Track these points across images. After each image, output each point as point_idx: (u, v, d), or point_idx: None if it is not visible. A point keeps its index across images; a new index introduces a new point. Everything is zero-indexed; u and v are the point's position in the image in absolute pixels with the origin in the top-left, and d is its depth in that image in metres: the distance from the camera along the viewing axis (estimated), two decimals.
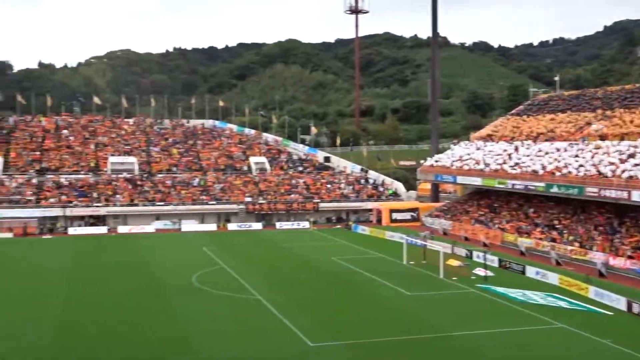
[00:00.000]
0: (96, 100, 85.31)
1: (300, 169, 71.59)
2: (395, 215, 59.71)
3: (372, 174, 71.17)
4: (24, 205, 58.97)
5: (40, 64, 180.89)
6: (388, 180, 69.59)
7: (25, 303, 28.96)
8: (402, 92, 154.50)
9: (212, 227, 60.22)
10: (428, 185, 66.86)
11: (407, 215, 59.94)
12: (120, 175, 66.32)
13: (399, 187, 68.17)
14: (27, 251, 47.21)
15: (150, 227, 60.67)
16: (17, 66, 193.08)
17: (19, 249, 48.75)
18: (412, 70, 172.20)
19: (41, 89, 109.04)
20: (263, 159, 72.22)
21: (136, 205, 62.28)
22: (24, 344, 22.52)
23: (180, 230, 59.64)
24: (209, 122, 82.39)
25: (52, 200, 60.64)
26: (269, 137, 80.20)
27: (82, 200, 61.47)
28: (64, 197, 61.18)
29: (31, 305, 28.51)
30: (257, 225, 60.37)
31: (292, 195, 64.24)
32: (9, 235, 55.92)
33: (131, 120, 79.50)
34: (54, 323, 25.41)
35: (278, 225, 61.15)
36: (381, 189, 67.25)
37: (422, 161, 71.80)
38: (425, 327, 24.01)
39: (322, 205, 63.10)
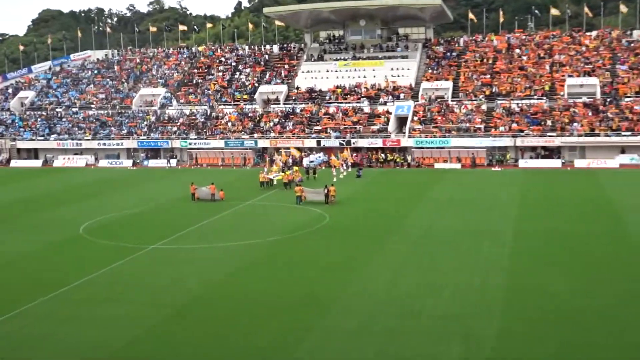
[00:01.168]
0: (554, 11, 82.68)
1: None
2: None
3: None
4: (473, 134, 63.02)
5: None
6: None
7: (475, 238, 30.74)
8: None
9: None
10: None
11: None
12: (578, 100, 63.44)
13: None
14: (476, 183, 50.47)
15: (614, 162, 56.08)
16: None
17: (467, 180, 52.60)
18: None
19: (492, 4, 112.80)
20: None
21: (597, 135, 58.77)
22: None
23: None
24: None
25: (501, 128, 62.75)
26: None
27: (534, 129, 61.52)
28: (514, 126, 62.42)
29: (481, 241, 29.99)
30: None
31: None
32: (457, 166, 60.97)
33: (594, 34, 74.11)
34: (504, 261, 25.75)
35: None
36: None
37: None
38: None
39: None
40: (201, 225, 36.00)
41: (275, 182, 49.40)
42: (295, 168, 53.60)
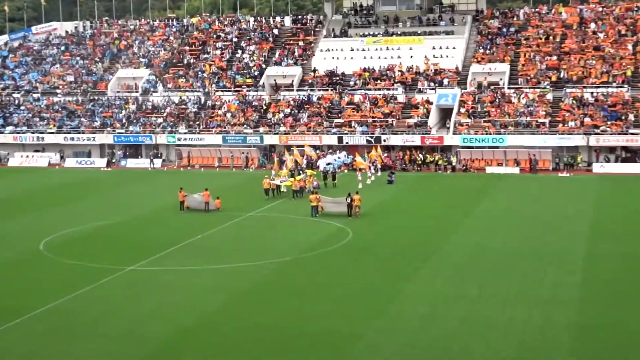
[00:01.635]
0: None
1: None
2: None
3: None
4: (535, 131, 62.78)
5: None
6: None
7: (535, 262, 30.68)
8: None
9: None
10: None
11: None
12: None
13: None
14: (539, 192, 50.29)
15: None
16: None
17: (527, 189, 52.40)
18: None
19: None
20: None
21: None
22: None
23: None
24: None
25: (571, 124, 62.42)
26: None
27: (612, 125, 61.11)
28: (587, 120, 62.09)
29: (543, 266, 30.00)
30: None
31: None
32: (514, 170, 60.71)
33: None
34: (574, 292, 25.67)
35: None
36: None
37: None
38: None
39: None
40: (192, 241, 36.23)
41: (284, 189, 49.62)
42: (309, 172, 53.77)
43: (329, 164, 58.54)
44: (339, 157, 62.54)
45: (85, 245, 36.06)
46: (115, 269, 30.89)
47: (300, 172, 55.21)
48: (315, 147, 64.94)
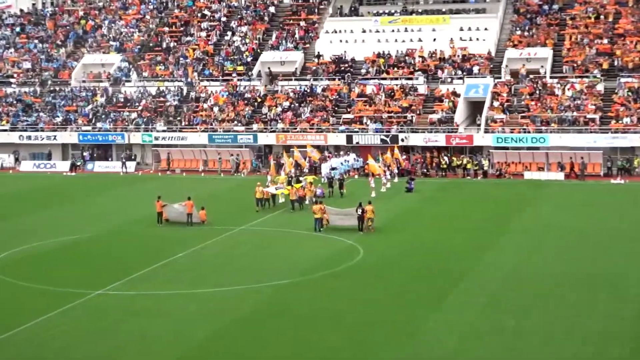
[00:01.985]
0: None
1: None
2: None
3: None
4: (583, 128, 62.61)
5: None
6: None
7: (584, 287, 30.79)
8: None
9: None
10: None
11: None
12: None
13: None
14: (587, 203, 50.35)
15: None
16: None
17: (573, 198, 52.40)
18: None
19: None
20: None
21: None
22: None
23: None
24: None
25: (626, 120, 62.26)
26: None
27: None
28: None
29: (593, 293, 30.06)
30: None
31: None
32: (558, 176, 60.66)
33: None
34: None
35: None
36: None
37: None
38: None
39: None
40: (172, 261, 36.21)
41: (282, 200, 49.59)
42: (309, 178, 53.61)
43: (333, 168, 58.46)
44: (346, 161, 62.52)
45: (45, 264, 36.02)
46: (82, 293, 30.78)
47: (297, 179, 54.97)
48: (319, 149, 64.92)
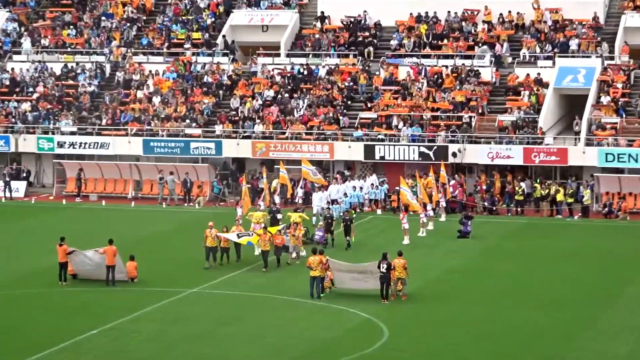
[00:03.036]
0: None
1: None
2: None
3: None
4: None
5: None
6: None
7: None
8: None
9: None
10: None
11: None
12: None
13: None
14: None
15: None
16: None
17: None
18: None
19: None
20: None
21: None
22: None
23: None
24: None
25: None
26: None
27: None
28: None
29: None
30: None
31: None
32: None
33: None
34: None
35: None
36: None
37: None
38: None
39: None
40: (77, 342, 36.29)
41: (257, 252, 49.39)
42: (294, 216, 52.80)
43: (333, 201, 58.46)
44: (360, 188, 62.41)
45: None
46: None
47: (274, 217, 54.30)
48: (322, 167, 65.17)
